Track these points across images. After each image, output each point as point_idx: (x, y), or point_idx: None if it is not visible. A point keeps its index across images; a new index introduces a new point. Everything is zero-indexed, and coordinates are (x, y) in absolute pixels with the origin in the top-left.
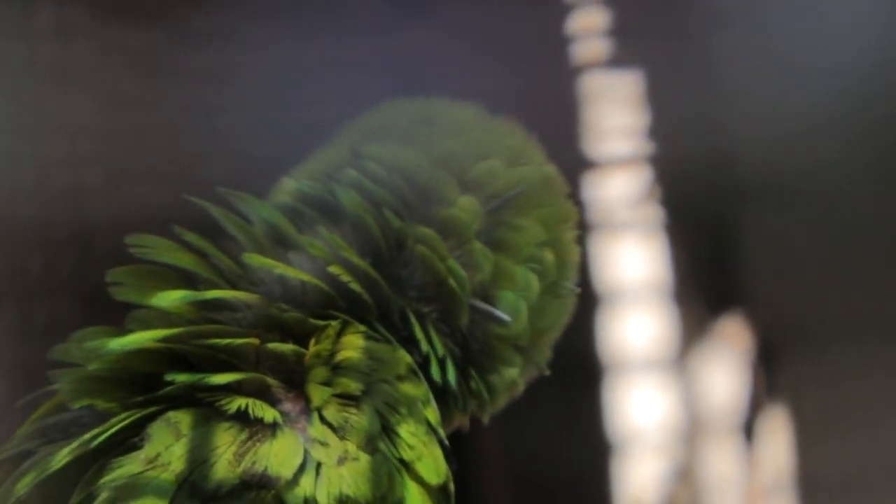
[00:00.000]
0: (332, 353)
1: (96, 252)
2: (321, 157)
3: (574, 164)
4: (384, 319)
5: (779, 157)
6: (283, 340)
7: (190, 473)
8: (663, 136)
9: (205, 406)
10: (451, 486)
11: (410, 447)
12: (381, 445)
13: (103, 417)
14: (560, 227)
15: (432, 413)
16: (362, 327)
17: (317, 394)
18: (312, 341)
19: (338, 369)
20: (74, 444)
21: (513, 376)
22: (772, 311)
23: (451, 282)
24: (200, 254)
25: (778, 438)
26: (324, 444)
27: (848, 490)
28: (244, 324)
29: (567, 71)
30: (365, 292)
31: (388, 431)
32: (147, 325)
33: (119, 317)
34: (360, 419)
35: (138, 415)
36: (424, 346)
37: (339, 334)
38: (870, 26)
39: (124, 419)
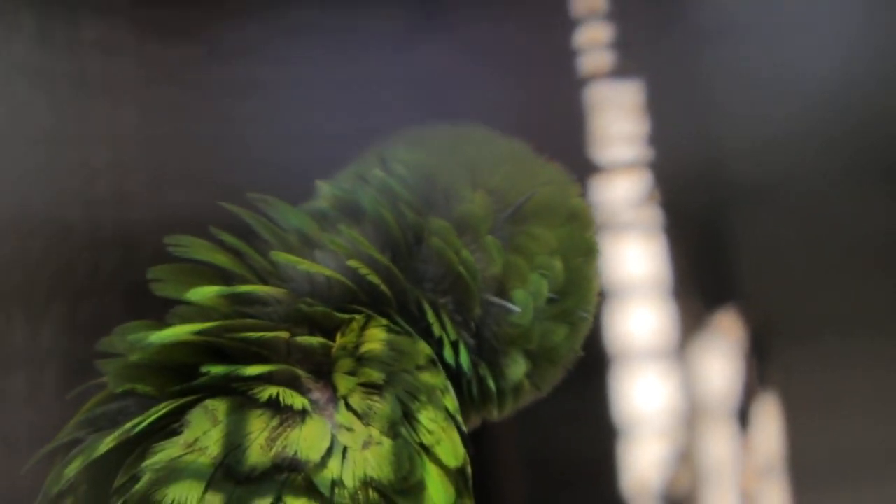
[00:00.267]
0: (357, 345)
1: (139, 252)
2: (355, 165)
3: (580, 170)
4: (403, 311)
5: (767, 162)
6: (310, 334)
7: (225, 457)
8: (662, 144)
9: (239, 395)
10: (469, 469)
11: (430, 432)
12: (403, 431)
13: (146, 407)
14: (579, 255)
15: (450, 401)
16: (384, 321)
17: (343, 383)
18: (339, 334)
19: (362, 360)
20: (118, 432)
21: (519, 375)
22: (763, 306)
23: (464, 272)
24: (234, 252)
25: (770, 423)
26: (349, 429)
27: (835, 471)
28: (274, 318)
29: (573, 82)
30: (383, 284)
31: (409, 418)
32: (186, 320)
33: (159, 312)
34: (383, 406)
35: (176, 404)
36: (437, 330)
37: (363, 328)
38: (848, 38)
39: (163, 408)
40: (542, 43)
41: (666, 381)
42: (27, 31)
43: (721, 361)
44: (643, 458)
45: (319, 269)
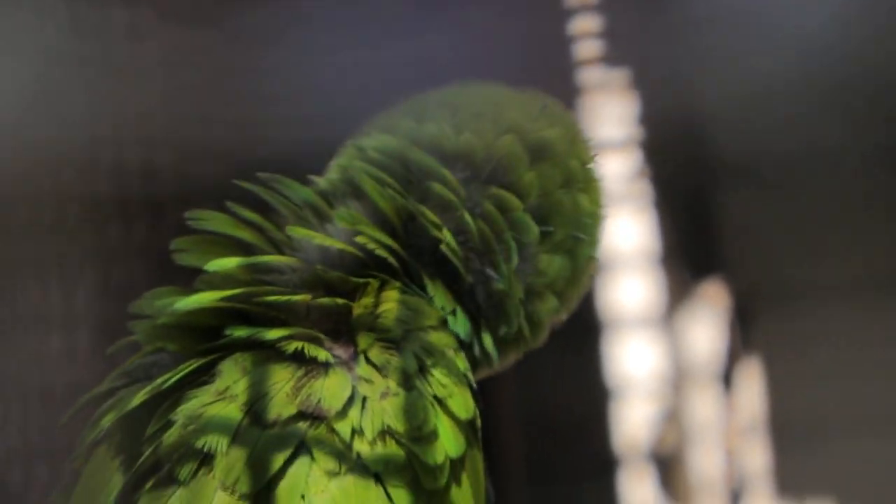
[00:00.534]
0: (376, 304)
1: (166, 221)
2: (337, 157)
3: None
4: (410, 279)
5: (751, 140)
6: (328, 297)
7: (253, 404)
8: (650, 123)
9: (267, 348)
10: (479, 422)
11: (443, 386)
12: (418, 383)
13: (179, 361)
14: (556, 186)
15: (461, 360)
16: (398, 284)
17: (363, 339)
18: (358, 297)
19: (380, 318)
20: (150, 386)
21: (518, 326)
22: (747, 275)
23: (449, 253)
24: (251, 225)
25: (752, 385)
26: (369, 381)
27: (813, 431)
28: (290, 285)
29: (569, 66)
30: (390, 256)
31: (423, 372)
32: (211, 287)
33: (185, 277)
34: (399, 360)
35: (204, 360)
36: (439, 301)
37: (380, 290)
38: (831, 27)
39: (193, 364)
40: (540, 30)
41: (654, 346)
42: (59, 18)
43: (706, 328)
44: (633, 418)
45: (333, 241)
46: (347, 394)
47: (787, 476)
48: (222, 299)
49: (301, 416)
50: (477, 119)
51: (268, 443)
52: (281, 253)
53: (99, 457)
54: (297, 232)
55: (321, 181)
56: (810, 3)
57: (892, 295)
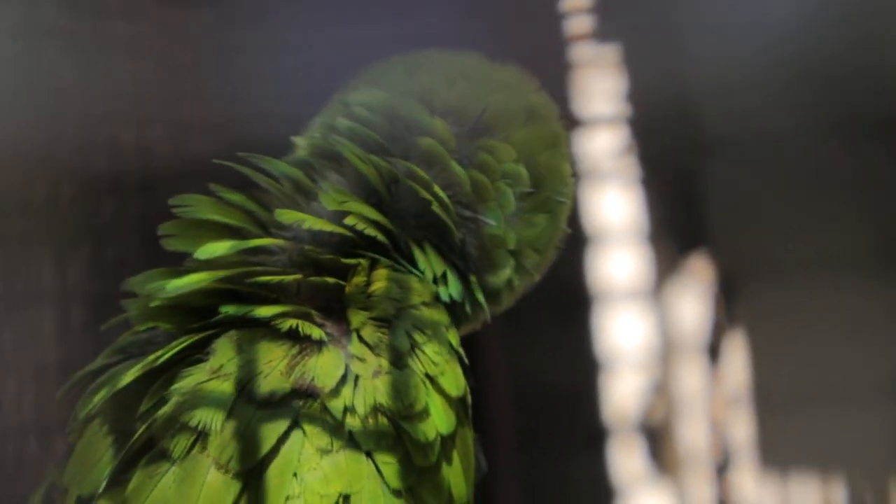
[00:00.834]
0: (368, 283)
1: (159, 199)
2: (323, 113)
3: (566, 124)
4: (399, 252)
5: (737, 115)
6: (318, 276)
7: (248, 382)
8: (638, 100)
9: (261, 326)
10: (469, 399)
11: (435, 364)
12: (410, 361)
13: (173, 338)
14: (544, 148)
15: (454, 336)
16: (389, 262)
17: (356, 317)
18: (349, 275)
19: (372, 297)
20: (143, 362)
21: (506, 277)
22: (732, 250)
23: (439, 209)
24: (237, 207)
25: (738, 358)
26: (361, 359)
27: (797, 402)
28: (280, 265)
29: (559, 42)
30: (379, 233)
31: (415, 349)
32: (203, 266)
33: (178, 254)
34: (392, 339)
35: (197, 337)
36: (429, 272)
37: (371, 269)
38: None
39: (186, 340)
40: (531, 6)
41: (642, 319)
42: None
43: (693, 301)
44: (622, 390)
45: (323, 224)
46: (341, 372)
47: (771, 446)
48: (215, 280)
49: (295, 393)
50: (467, 77)
51: (261, 420)
52: (268, 233)
53: (92, 432)
54: (287, 216)
55: (302, 143)
56: None
57: (878, 267)
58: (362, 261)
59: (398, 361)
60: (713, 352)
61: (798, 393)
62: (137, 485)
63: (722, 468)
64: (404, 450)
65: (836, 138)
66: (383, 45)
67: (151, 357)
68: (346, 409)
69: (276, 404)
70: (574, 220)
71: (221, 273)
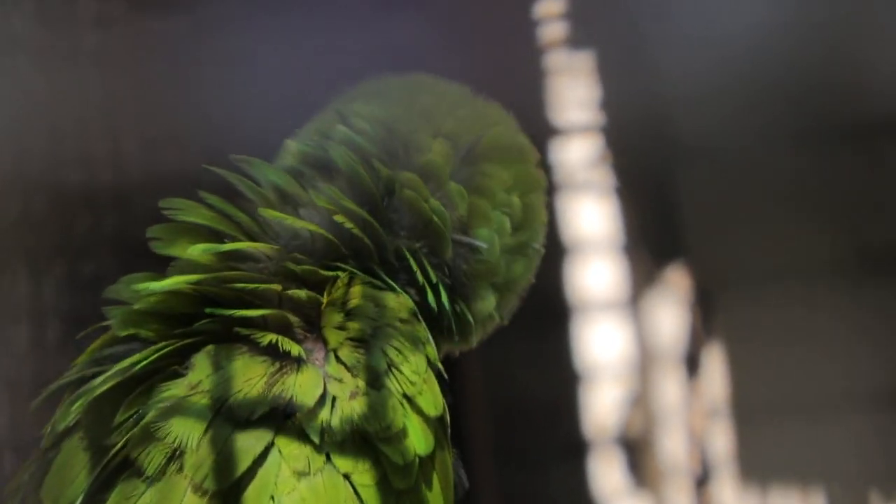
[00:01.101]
0: (345, 301)
1: (134, 212)
2: (316, 121)
3: (540, 133)
4: (384, 262)
5: (710, 125)
6: (299, 289)
7: (225, 400)
8: (612, 109)
9: (240, 341)
10: (448, 418)
11: (412, 383)
12: (387, 382)
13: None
14: (530, 190)
15: (431, 350)
16: (367, 278)
17: (333, 337)
18: (326, 291)
19: (349, 315)
20: (117, 368)
21: (490, 308)
22: (708, 260)
23: (436, 220)
24: (222, 213)
25: (716, 369)
26: (339, 380)
27: (775, 412)
28: (265, 273)
29: (533, 51)
30: (365, 237)
31: (392, 369)
32: (186, 273)
33: (156, 269)
34: (369, 359)
35: (176, 344)
36: (420, 277)
37: (349, 285)
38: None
39: (163, 348)
40: (504, 14)
41: (620, 330)
42: (26, 8)
43: (670, 312)
44: (601, 402)
45: (303, 223)
46: (319, 391)
47: (750, 458)
48: (195, 283)
49: (272, 413)
50: (465, 106)
51: (238, 440)
52: (254, 241)
53: (70, 447)
54: (268, 214)
55: (293, 150)
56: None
57: (854, 278)
58: (341, 274)
59: (375, 382)
60: (691, 363)
61: (776, 404)
62: None
63: (701, 480)
64: (383, 472)
65: (809, 147)
66: (356, 54)
67: (127, 362)
68: (323, 431)
69: (254, 423)
70: (550, 230)
71: (199, 276)
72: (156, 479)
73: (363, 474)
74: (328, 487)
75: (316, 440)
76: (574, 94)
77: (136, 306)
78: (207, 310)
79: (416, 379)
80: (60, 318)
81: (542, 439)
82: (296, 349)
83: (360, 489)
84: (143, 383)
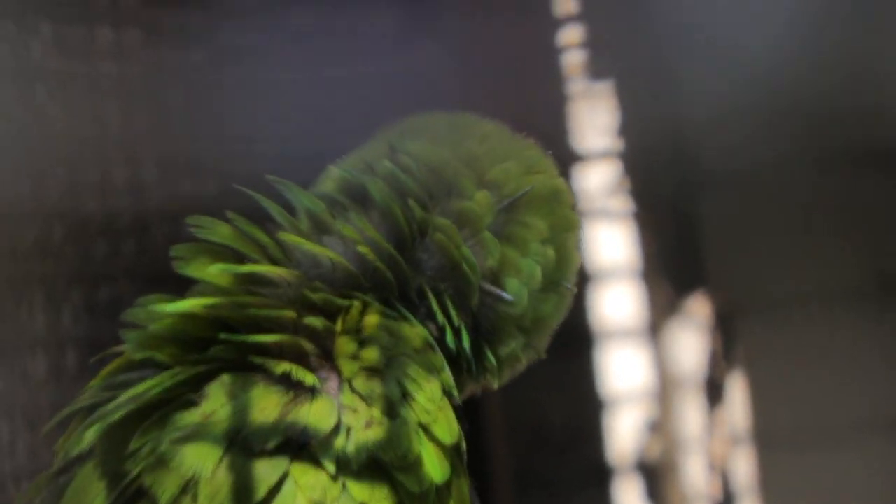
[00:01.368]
0: (358, 330)
1: (153, 240)
2: (364, 149)
3: (560, 160)
4: (404, 297)
5: (731, 151)
6: (315, 316)
7: (239, 430)
8: (632, 135)
9: (254, 370)
10: (464, 445)
11: (427, 412)
12: (402, 411)
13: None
14: (565, 232)
15: (447, 378)
16: (381, 307)
17: (347, 366)
18: (340, 319)
19: (363, 344)
20: (130, 394)
21: (516, 352)
22: (729, 287)
23: (465, 267)
24: (246, 235)
25: (737, 396)
26: (354, 410)
27: (797, 440)
28: (284, 299)
29: (554, 77)
30: (388, 270)
31: (406, 398)
32: (204, 296)
33: (175, 295)
34: (383, 389)
35: (191, 371)
36: (441, 318)
37: (363, 314)
38: (809, 30)
39: (177, 374)
40: (527, 42)
41: (641, 357)
42: (44, 37)
43: (691, 340)
44: (622, 429)
45: (323, 250)
46: (334, 421)
47: (772, 485)
48: (210, 306)
49: (287, 443)
50: (511, 154)
51: (253, 470)
52: (275, 265)
53: (84, 475)
54: (287, 238)
55: (334, 175)
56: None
57: (875, 303)
58: (355, 302)
59: (390, 411)
60: (712, 389)
61: (799, 430)
62: None
63: None
64: (399, 500)
65: (829, 171)
66: (378, 82)
67: (141, 388)
68: (338, 461)
69: (269, 453)
70: None
71: (215, 300)
72: None
73: (380, 503)
74: None
75: (332, 469)
76: (595, 121)
77: (150, 328)
78: (222, 335)
79: (431, 407)
80: (78, 346)
81: (563, 466)
82: (310, 378)
83: None
84: (157, 410)
